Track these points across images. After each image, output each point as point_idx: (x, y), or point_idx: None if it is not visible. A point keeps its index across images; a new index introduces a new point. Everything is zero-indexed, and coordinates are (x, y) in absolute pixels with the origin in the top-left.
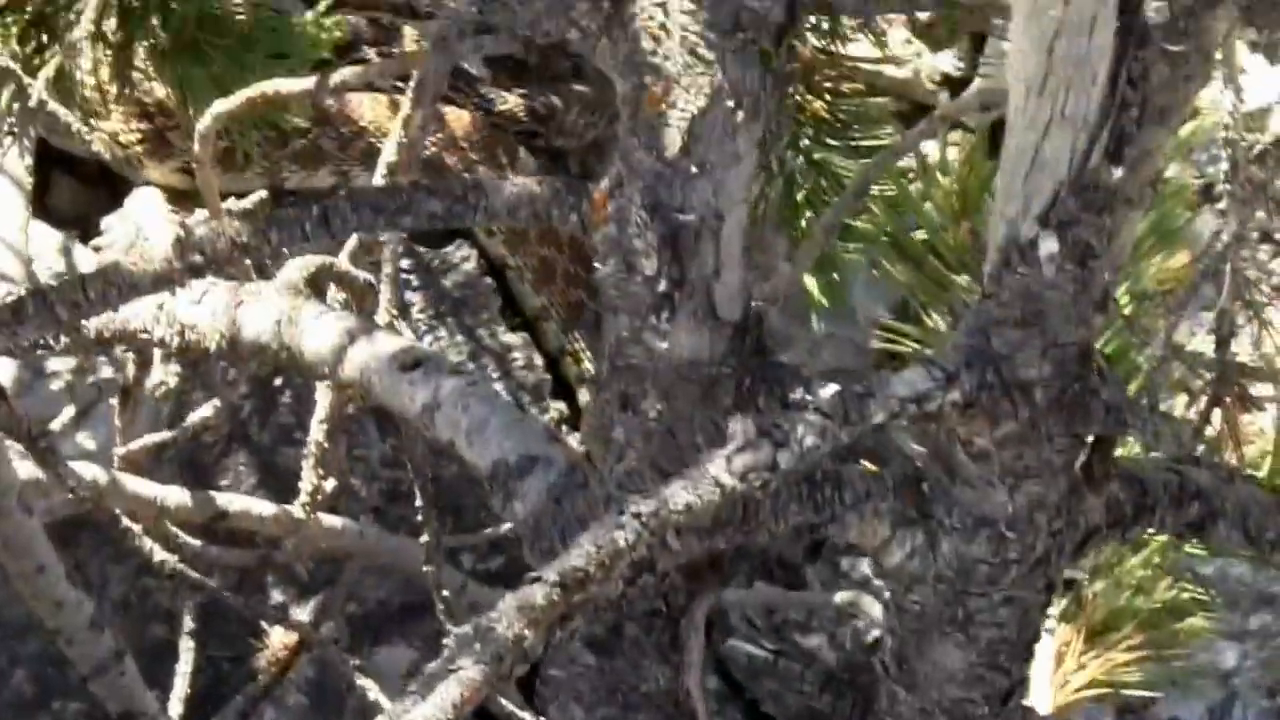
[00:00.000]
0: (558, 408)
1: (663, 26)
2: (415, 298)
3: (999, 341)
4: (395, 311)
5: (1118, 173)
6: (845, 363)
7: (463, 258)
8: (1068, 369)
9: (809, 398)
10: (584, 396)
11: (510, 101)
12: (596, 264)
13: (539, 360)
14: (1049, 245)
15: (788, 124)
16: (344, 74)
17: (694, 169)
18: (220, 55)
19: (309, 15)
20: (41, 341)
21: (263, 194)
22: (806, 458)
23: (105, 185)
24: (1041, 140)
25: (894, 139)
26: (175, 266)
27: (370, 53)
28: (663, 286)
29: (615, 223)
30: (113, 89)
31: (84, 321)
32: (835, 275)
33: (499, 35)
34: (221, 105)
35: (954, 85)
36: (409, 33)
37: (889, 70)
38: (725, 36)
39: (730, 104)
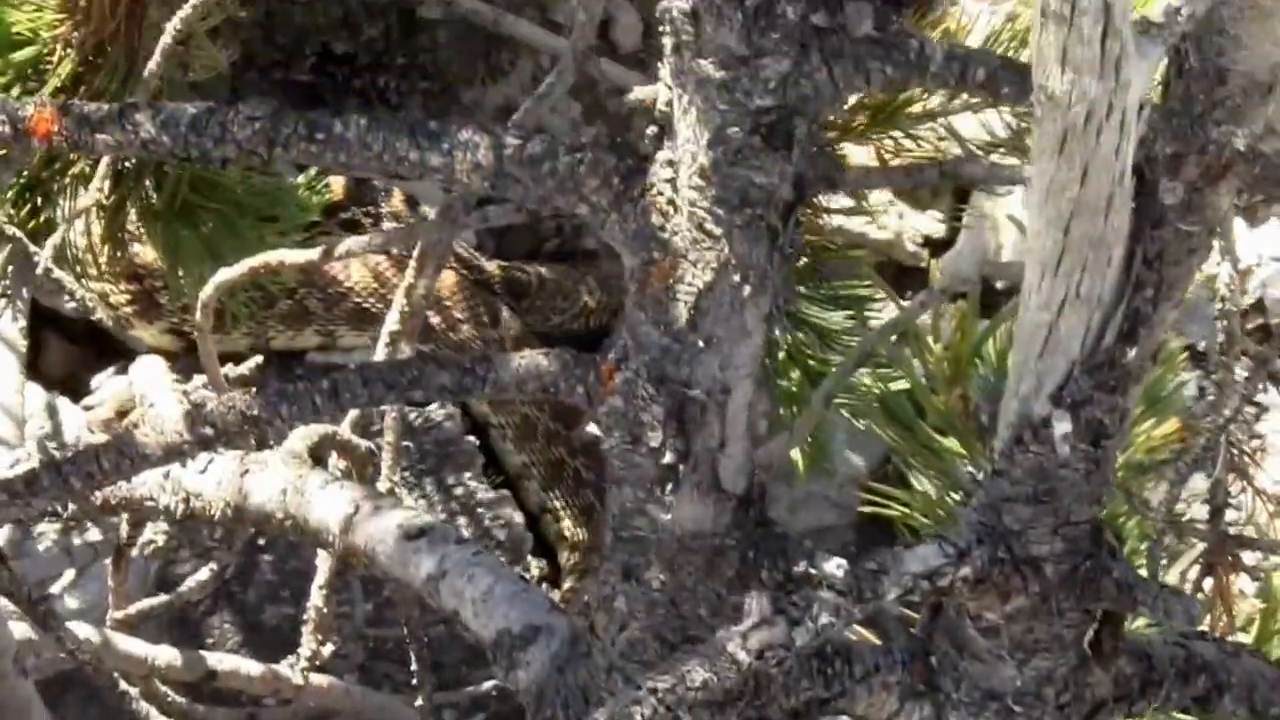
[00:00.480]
0: (539, 565)
1: (671, 202)
2: (390, 457)
3: (1010, 518)
4: (396, 479)
5: (1132, 352)
6: (825, 522)
7: (445, 415)
8: (1079, 546)
9: (814, 571)
10: (564, 555)
11: (489, 270)
12: (602, 436)
13: (519, 518)
14: (1062, 425)
15: (794, 298)
16: (349, 244)
17: (701, 343)
18: (212, 218)
19: (300, 179)
20: (50, 510)
21: (258, 360)
22: (821, 635)
23: (93, 344)
24: (1056, 319)
25: (873, 293)
26: (186, 439)
27: (358, 213)
28: (668, 459)
29: (622, 395)
30: (104, 251)
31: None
32: (819, 437)
33: (504, 208)
34: (225, 274)
35: (936, 246)
36: (397, 194)
37: (870, 231)
38: (733, 212)
39: (737, 278)
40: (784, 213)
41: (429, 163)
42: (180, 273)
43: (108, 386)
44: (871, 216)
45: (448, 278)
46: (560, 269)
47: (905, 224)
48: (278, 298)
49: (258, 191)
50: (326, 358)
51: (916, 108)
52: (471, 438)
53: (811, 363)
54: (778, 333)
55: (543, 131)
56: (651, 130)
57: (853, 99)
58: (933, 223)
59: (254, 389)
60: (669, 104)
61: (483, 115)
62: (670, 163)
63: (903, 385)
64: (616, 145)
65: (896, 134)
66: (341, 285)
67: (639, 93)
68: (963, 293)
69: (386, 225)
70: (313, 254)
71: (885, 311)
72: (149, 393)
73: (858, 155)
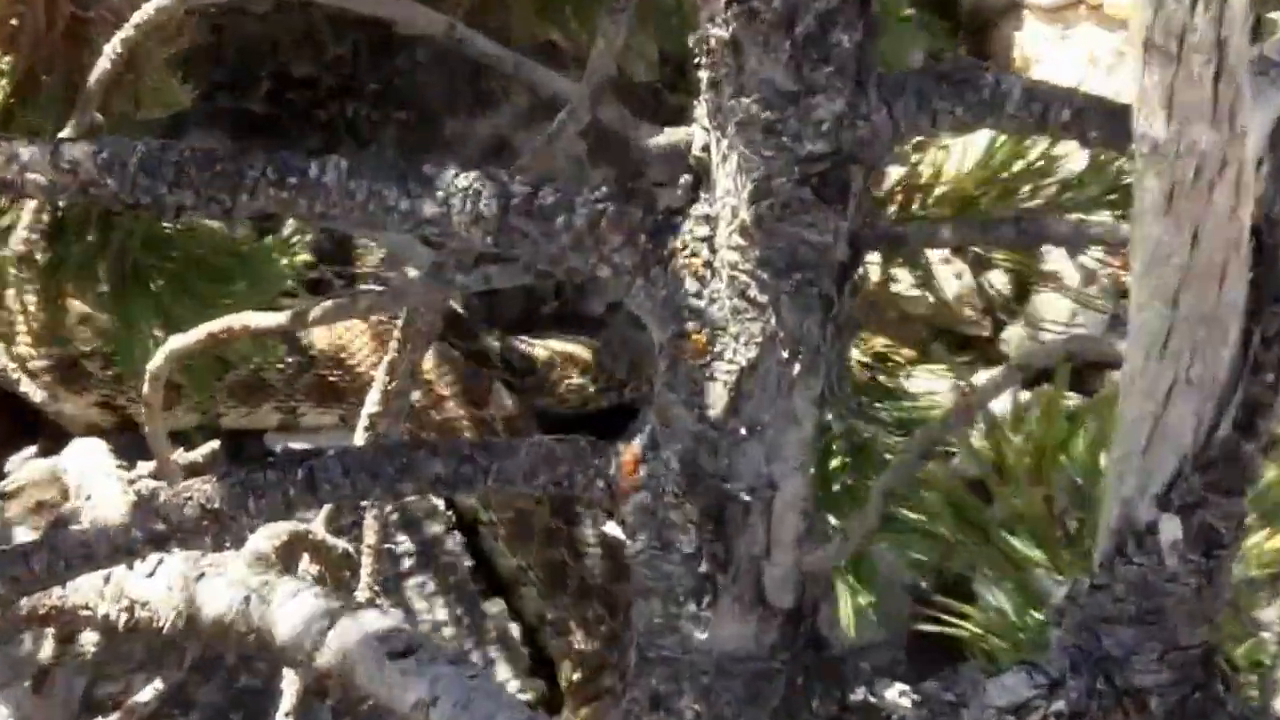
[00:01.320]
0: (536, 686)
1: (708, 265)
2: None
3: (1111, 642)
4: (378, 587)
5: (1250, 447)
6: (870, 637)
7: (426, 511)
8: (1189, 675)
9: (875, 700)
10: (567, 674)
11: (483, 343)
12: (624, 538)
13: (515, 630)
14: (1170, 531)
15: (849, 379)
16: (324, 308)
17: (743, 431)
18: (165, 280)
19: (270, 240)
20: None
21: (214, 444)
22: None
23: (5, 419)
24: (1163, 409)
25: (941, 374)
26: (134, 536)
27: (327, 271)
28: (704, 567)
29: (649, 491)
30: (40, 315)
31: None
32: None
33: (508, 267)
34: (178, 342)
35: (1002, 312)
36: (376, 250)
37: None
38: (780, 277)
39: (785, 355)
40: (839, 277)
41: (422, 213)
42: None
43: (24, 471)
44: (922, 273)
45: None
46: (568, 341)
47: (966, 284)
48: (230, 367)
49: (222, 250)
50: (286, 439)
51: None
52: (457, 535)
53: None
54: (830, 418)
55: (553, 179)
56: (685, 180)
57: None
58: (1000, 282)
59: (215, 478)
60: (705, 149)
61: (469, 151)
62: (707, 218)
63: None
64: (632, 193)
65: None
66: (305, 353)
67: (668, 136)
68: (1045, 370)
69: (363, 286)
70: (281, 318)
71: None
72: (87, 481)
73: None
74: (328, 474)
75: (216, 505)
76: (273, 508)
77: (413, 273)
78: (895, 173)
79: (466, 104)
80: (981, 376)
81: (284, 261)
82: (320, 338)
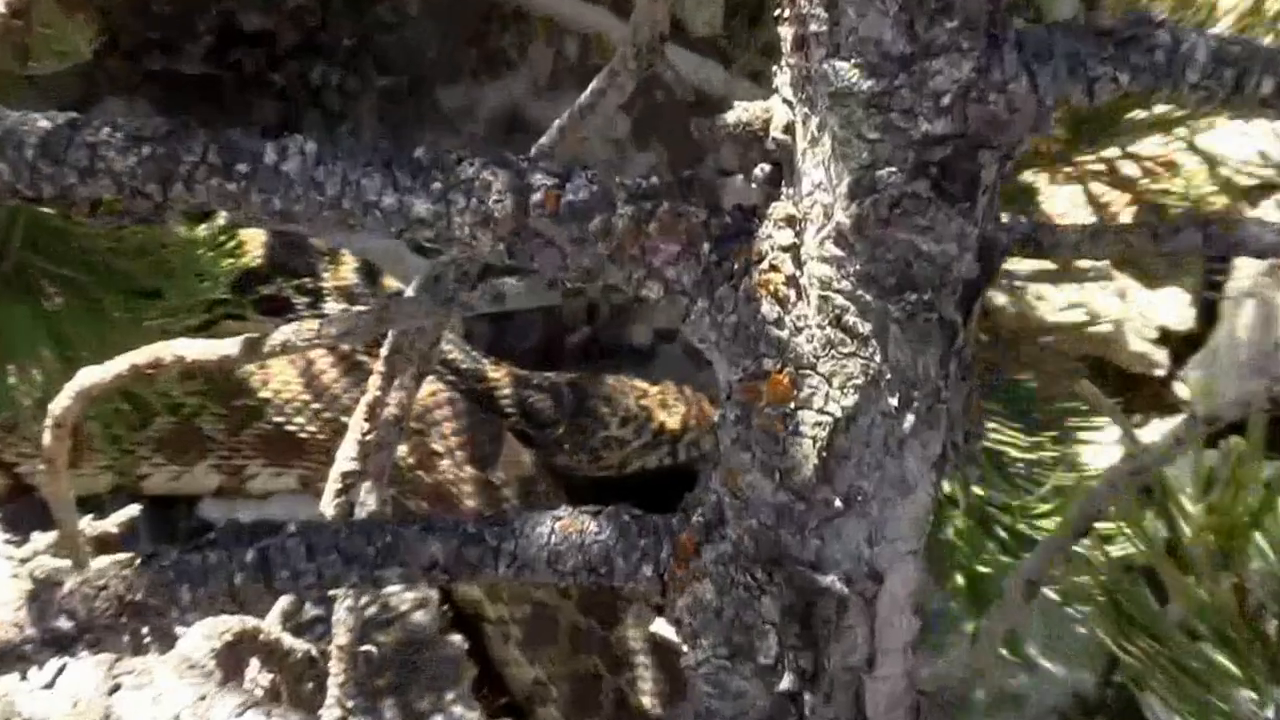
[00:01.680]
0: None
1: (792, 282)
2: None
3: None
4: (351, 703)
5: None
6: None
7: (415, 603)
8: None
9: None
10: None
11: (489, 376)
12: (680, 642)
13: None
14: None
15: (980, 435)
16: (285, 334)
17: (838, 502)
18: (62, 290)
19: (201, 230)
20: None
21: (132, 512)
22: None
23: None
24: None
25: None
26: (29, 636)
27: (285, 286)
28: (786, 683)
29: (713, 582)
30: None
31: None
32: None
33: (526, 282)
34: (89, 376)
35: (1179, 344)
36: (346, 258)
37: (1077, 319)
38: (887, 298)
39: (894, 402)
40: (964, 298)
41: (413, 212)
42: (6, 372)
43: None
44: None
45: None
46: (605, 381)
47: (1131, 307)
48: (153, 414)
49: (133, 251)
50: (228, 507)
51: (1138, 112)
52: (458, 638)
53: (992, 512)
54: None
55: (586, 166)
56: (761, 170)
57: None
58: (1175, 305)
59: (137, 559)
60: (788, 129)
61: (473, 129)
62: (790, 220)
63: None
64: (690, 185)
65: (1111, 154)
66: (253, 395)
67: (740, 112)
68: (1236, 423)
69: (332, 307)
70: (228, 347)
71: (1104, 438)
72: None
73: (1056, 195)
74: (286, 557)
75: (139, 595)
76: (213, 599)
77: (401, 288)
78: None
79: (470, 67)
80: (1153, 430)
81: (223, 264)
82: (275, 375)
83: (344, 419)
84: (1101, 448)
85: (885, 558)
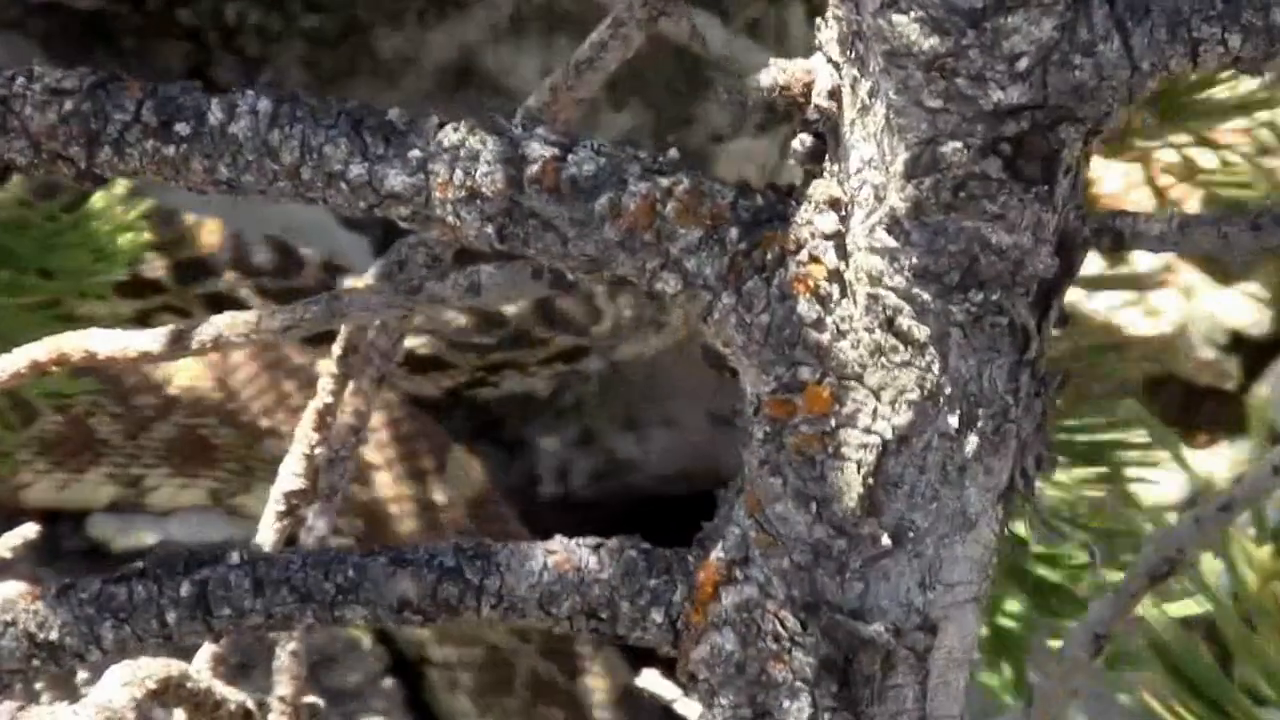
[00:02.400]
0: None
1: (835, 277)
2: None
3: None
4: None
5: None
6: None
7: (345, 644)
8: None
9: None
10: None
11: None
12: (698, 704)
13: None
14: None
15: (1054, 461)
16: (217, 326)
17: (886, 538)
18: None
19: (97, 197)
20: None
21: (29, 532)
22: None
23: None
24: None
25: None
26: None
27: (230, 277)
28: None
29: (734, 630)
30: None
31: None
32: None
33: (509, 269)
34: None
35: (1253, 350)
36: (310, 256)
37: (1137, 322)
38: (949, 297)
39: (954, 421)
40: (1040, 299)
41: (385, 186)
42: None
43: None
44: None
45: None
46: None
47: (1197, 308)
48: (37, 412)
49: (18, 225)
50: (123, 524)
51: (1220, 90)
52: (389, 682)
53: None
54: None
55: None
56: (801, 143)
57: None
58: (1249, 305)
59: (49, 592)
60: (834, 94)
61: (417, 82)
62: (835, 203)
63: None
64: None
65: (1181, 140)
66: (158, 393)
67: (776, 73)
68: None
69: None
70: (147, 340)
71: (1164, 468)
72: None
73: (1106, 173)
74: (229, 591)
75: (53, 634)
76: (141, 640)
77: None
78: None
79: (416, 6)
80: (1220, 455)
81: (123, 240)
82: (181, 369)
83: (263, 422)
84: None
85: (941, 605)
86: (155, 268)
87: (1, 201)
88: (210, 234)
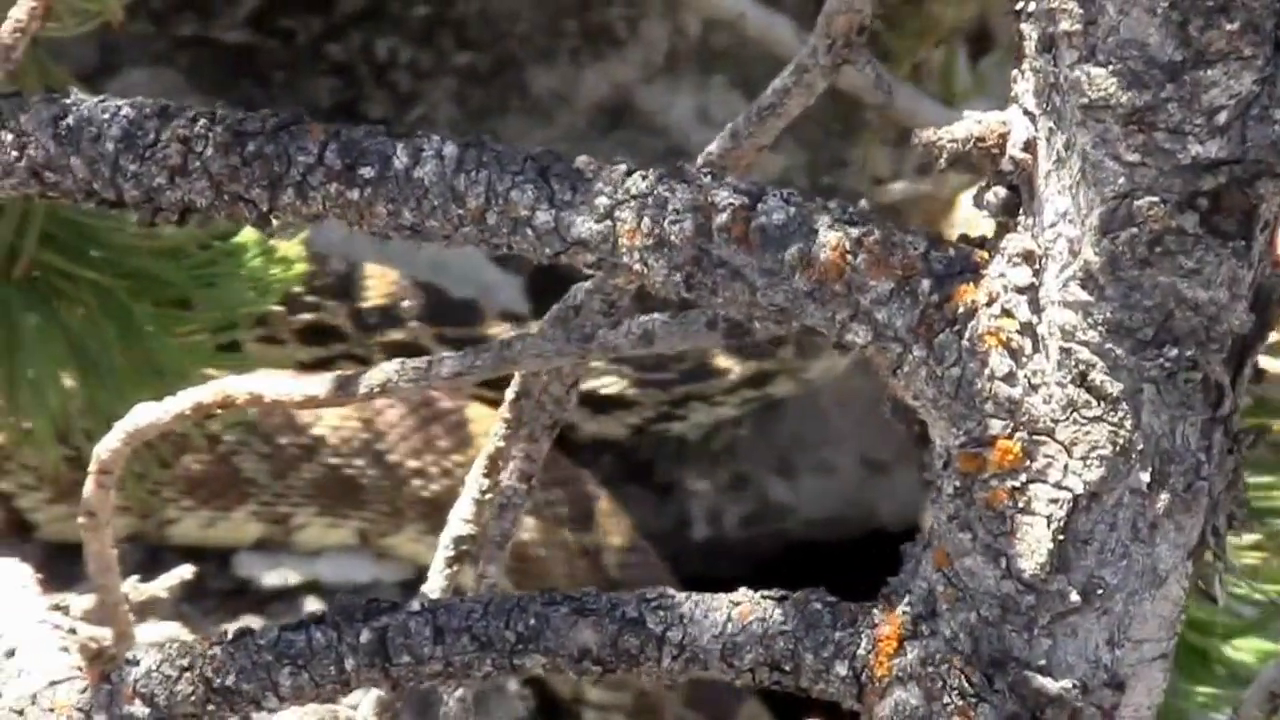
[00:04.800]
0: None
1: (1027, 330)
2: None
3: None
4: None
5: None
6: None
7: (492, 686)
8: None
9: None
10: None
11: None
12: None
13: None
14: None
15: (1244, 521)
16: (386, 372)
17: (1075, 595)
18: (88, 295)
19: (248, 232)
20: None
21: (187, 570)
22: None
23: None
24: None
25: None
26: None
27: (339, 309)
28: None
29: (919, 685)
30: None
31: None
32: None
33: (684, 320)
34: (146, 415)
35: None
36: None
37: None
38: (1143, 352)
39: (1146, 478)
40: (1234, 356)
41: (572, 233)
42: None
43: None
44: None
45: (480, 414)
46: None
47: None
48: (179, 451)
49: (167, 253)
50: (269, 563)
51: None
52: None
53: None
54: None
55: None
56: (995, 195)
57: None
58: None
59: (226, 637)
60: (1028, 147)
61: (570, 119)
62: (1028, 256)
63: None
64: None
65: None
66: (302, 433)
67: (971, 124)
68: None
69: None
70: (312, 385)
71: None
72: (10, 631)
73: None
74: (409, 639)
75: (229, 680)
76: (320, 686)
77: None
78: None
79: (568, 44)
80: None
81: (274, 272)
82: (329, 411)
83: (411, 465)
84: None
85: (1128, 663)
86: (337, 315)
87: (126, 226)
88: (389, 282)
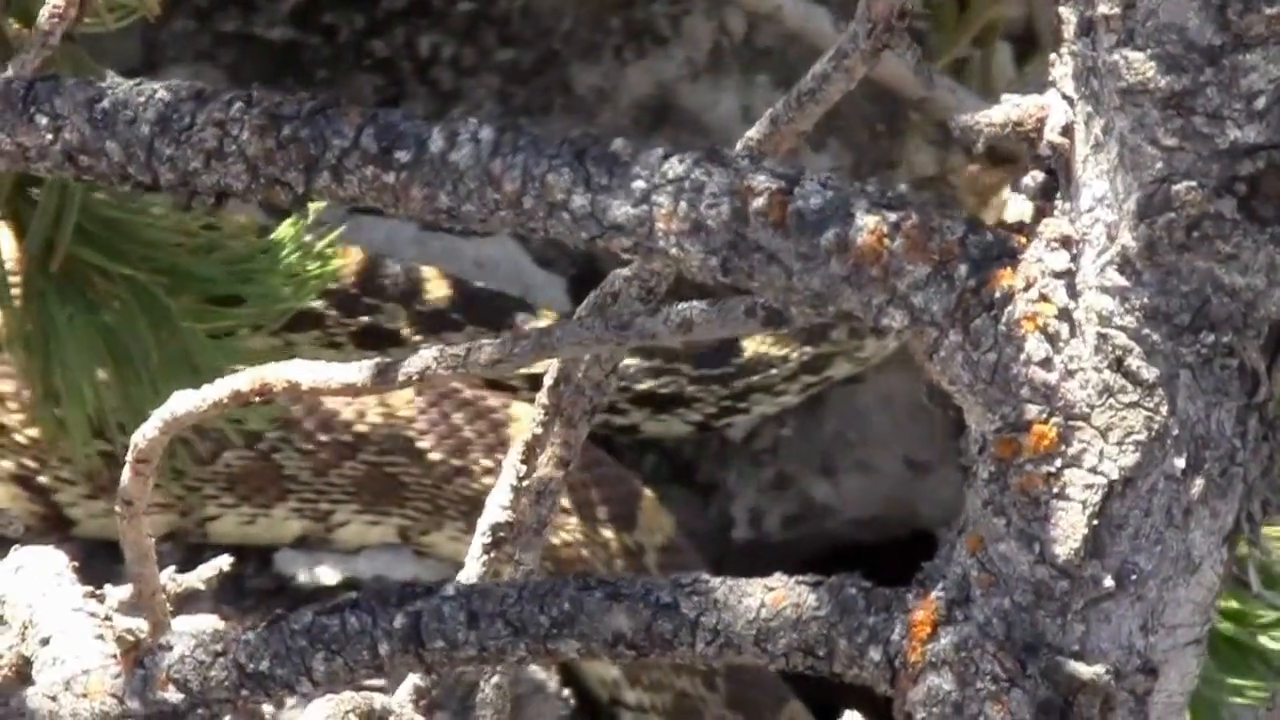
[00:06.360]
0: None
1: (1065, 315)
2: None
3: None
4: None
5: None
6: None
7: (531, 686)
8: None
9: None
10: None
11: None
12: None
13: None
14: None
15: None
16: (425, 359)
17: (1108, 580)
18: (124, 291)
19: (285, 227)
20: None
21: (223, 562)
22: None
23: None
24: None
25: None
26: (131, 710)
27: (387, 308)
28: None
29: (952, 670)
30: None
31: None
32: None
33: (723, 307)
34: (184, 402)
35: None
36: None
37: None
38: (1179, 338)
39: (1181, 464)
40: (1271, 343)
41: (609, 217)
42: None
43: None
44: None
45: (523, 413)
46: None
47: None
48: (221, 445)
49: (204, 247)
50: (310, 561)
51: None
52: None
53: None
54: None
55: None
56: (1033, 179)
57: None
58: None
59: (261, 624)
60: (1066, 132)
61: (613, 116)
62: (1066, 241)
63: None
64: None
65: None
66: (343, 428)
67: (1009, 109)
68: None
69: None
70: (350, 374)
71: None
72: (42, 618)
73: None
74: (443, 624)
75: (263, 665)
76: (353, 671)
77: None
78: None
79: (612, 41)
80: None
81: (313, 267)
82: (370, 405)
83: (453, 462)
84: None
85: (1162, 648)
86: (395, 318)
87: (162, 220)
88: (446, 285)
